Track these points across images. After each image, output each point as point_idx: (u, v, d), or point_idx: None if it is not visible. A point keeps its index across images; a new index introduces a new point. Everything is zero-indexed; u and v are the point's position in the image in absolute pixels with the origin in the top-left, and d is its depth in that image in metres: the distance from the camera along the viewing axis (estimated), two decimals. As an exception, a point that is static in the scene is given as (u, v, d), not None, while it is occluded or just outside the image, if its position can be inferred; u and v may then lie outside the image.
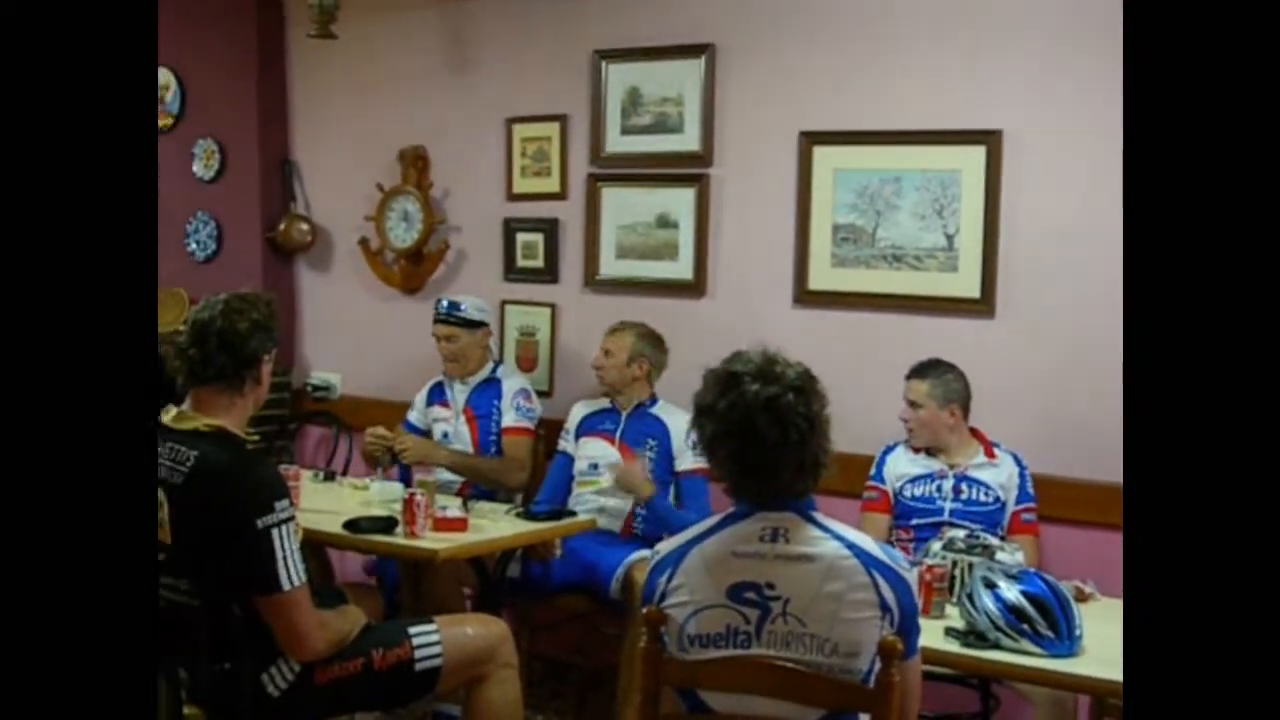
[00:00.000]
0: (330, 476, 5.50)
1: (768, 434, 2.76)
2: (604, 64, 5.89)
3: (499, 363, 5.86)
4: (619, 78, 5.87)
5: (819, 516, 2.81)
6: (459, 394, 5.76)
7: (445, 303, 5.71)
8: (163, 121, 7.21)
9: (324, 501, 4.81)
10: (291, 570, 3.44)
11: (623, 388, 5.43)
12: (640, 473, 5.18)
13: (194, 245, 7.07)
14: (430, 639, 3.77)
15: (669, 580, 2.82)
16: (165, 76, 7.20)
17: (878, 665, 2.69)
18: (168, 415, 3.63)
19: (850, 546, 2.75)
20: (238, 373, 3.62)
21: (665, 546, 2.92)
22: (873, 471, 4.82)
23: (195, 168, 7.09)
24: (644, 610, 2.84)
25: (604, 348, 5.46)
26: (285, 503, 3.47)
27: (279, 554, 3.42)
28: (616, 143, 5.88)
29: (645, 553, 4.96)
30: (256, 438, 3.73)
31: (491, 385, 5.73)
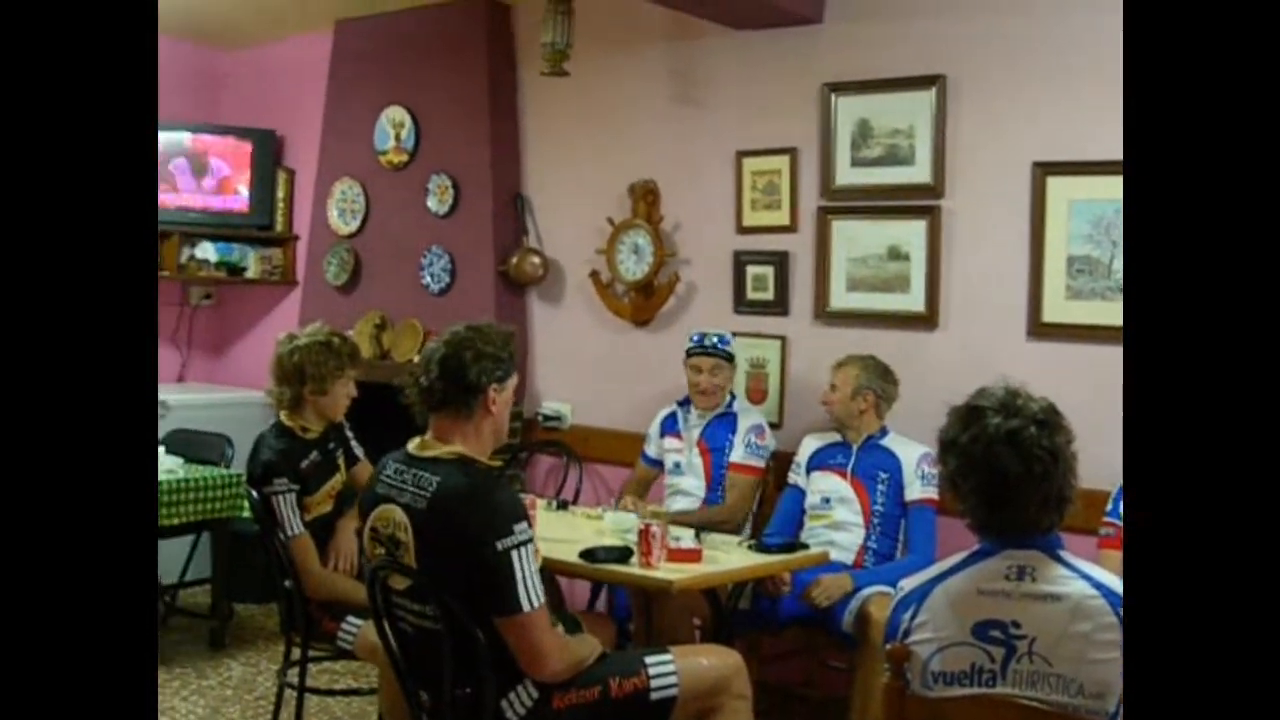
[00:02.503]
0: (564, 505, 5.58)
1: (1010, 467, 2.75)
2: (833, 96, 5.89)
3: (734, 396, 5.89)
4: (848, 110, 5.86)
5: (1066, 555, 2.78)
6: (693, 426, 5.81)
7: (713, 337, 5.79)
8: (398, 158, 7.43)
9: (559, 530, 4.87)
10: (531, 591, 3.49)
11: (850, 421, 5.41)
12: (830, 583, 5.06)
13: (428, 278, 7.24)
14: (666, 669, 3.79)
15: (913, 617, 2.82)
16: (400, 114, 7.43)
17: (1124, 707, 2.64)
18: (413, 444, 3.74)
19: (1098, 586, 2.71)
20: (464, 400, 3.70)
21: (910, 583, 2.91)
22: (1109, 507, 4.72)
23: (430, 203, 7.27)
24: (888, 646, 2.83)
25: (830, 382, 5.45)
26: (524, 525, 3.52)
27: (518, 575, 3.47)
28: (847, 175, 5.87)
29: (881, 587, 4.94)
30: (500, 464, 3.78)
31: (727, 419, 5.77)
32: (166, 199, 8.03)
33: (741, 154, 6.21)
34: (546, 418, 6.98)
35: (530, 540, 3.52)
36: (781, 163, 6.07)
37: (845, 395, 5.39)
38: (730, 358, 5.79)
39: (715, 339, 5.78)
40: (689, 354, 5.80)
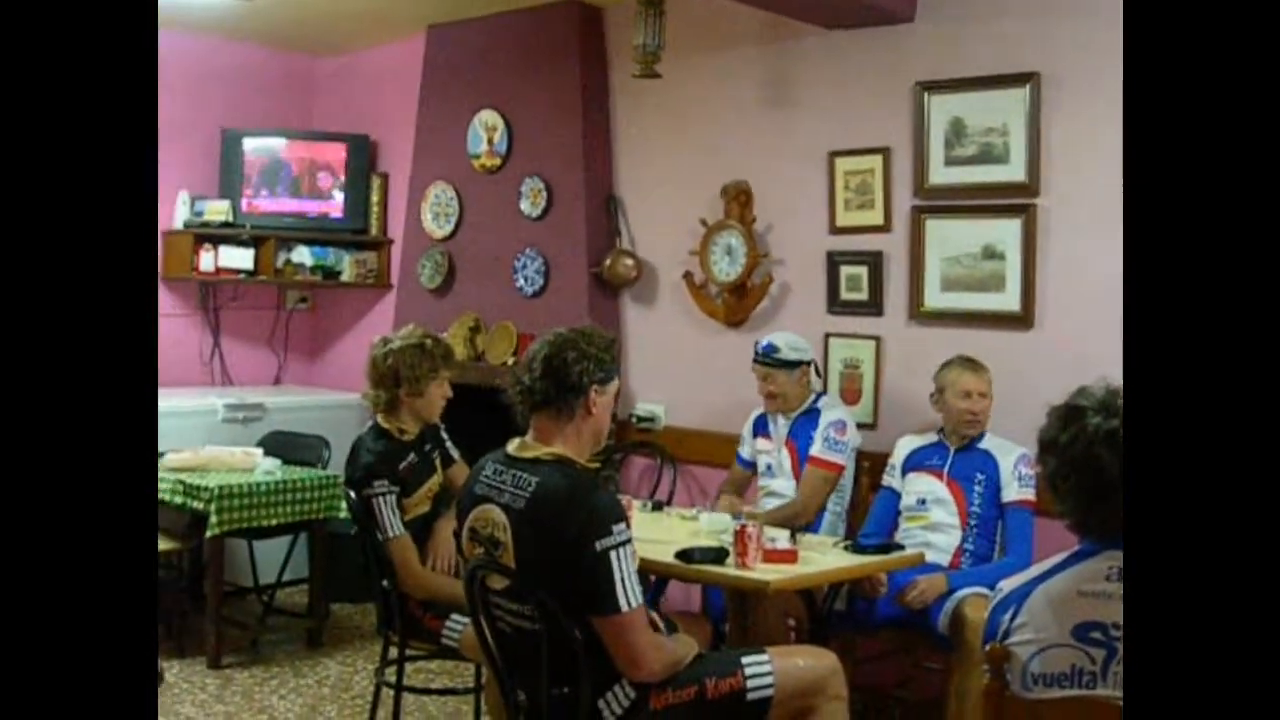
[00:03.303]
0: (659, 506, 5.59)
1: (1110, 467, 2.73)
2: (926, 95, 5.86)
3: (821, 394, 5.87)
4: (942, 109, 5.82)
5: (1167, 555, 2.76)
6: (781, 426, 5.79)
7: (762, 345, 5.75)
8: (491, 161, 7.48)
9: (654, 531, 4.88)
10: (629, 592, 3.50)
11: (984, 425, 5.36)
12: (925, 585, 5.02)
13: (522, 281, 7.28)
14: (762, 669, 3.79)
15: (1013, 618, 2.80)
16: (493, 118, 7.48)
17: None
18: (512, 445, 3.76)
19: (1200, 587, 2.68)
20: (565, 400, 3.71)
21: (1009, 584, 2.90)
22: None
23: (523, 206, 7.31)
24: (987, 647, 2.82)
25: (974, 390, 5.30)
26: (623, 526, 3.53)
27: (617, 576, 3.48)
28: (940, 174, 5.83)
29: (976, 589, 4.90)
30: (598, 466, 3.80)
31: (811, 416, 5.74)
32: (262, 204, 8.14)
33: (834, 154, 6.19)
34: (640, 419, 7.00)
35: (629, 541, 3.53)
36: (874, 162, 6.04)
37: (989, 403, 5.33)
38: (781, 364, 5.70)
39: (763, 347, 5.75)
40: None
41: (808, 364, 5.78)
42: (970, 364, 5.35)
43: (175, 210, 7.98)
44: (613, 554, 3.47)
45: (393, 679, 5.03)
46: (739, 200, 6.49)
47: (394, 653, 5.03)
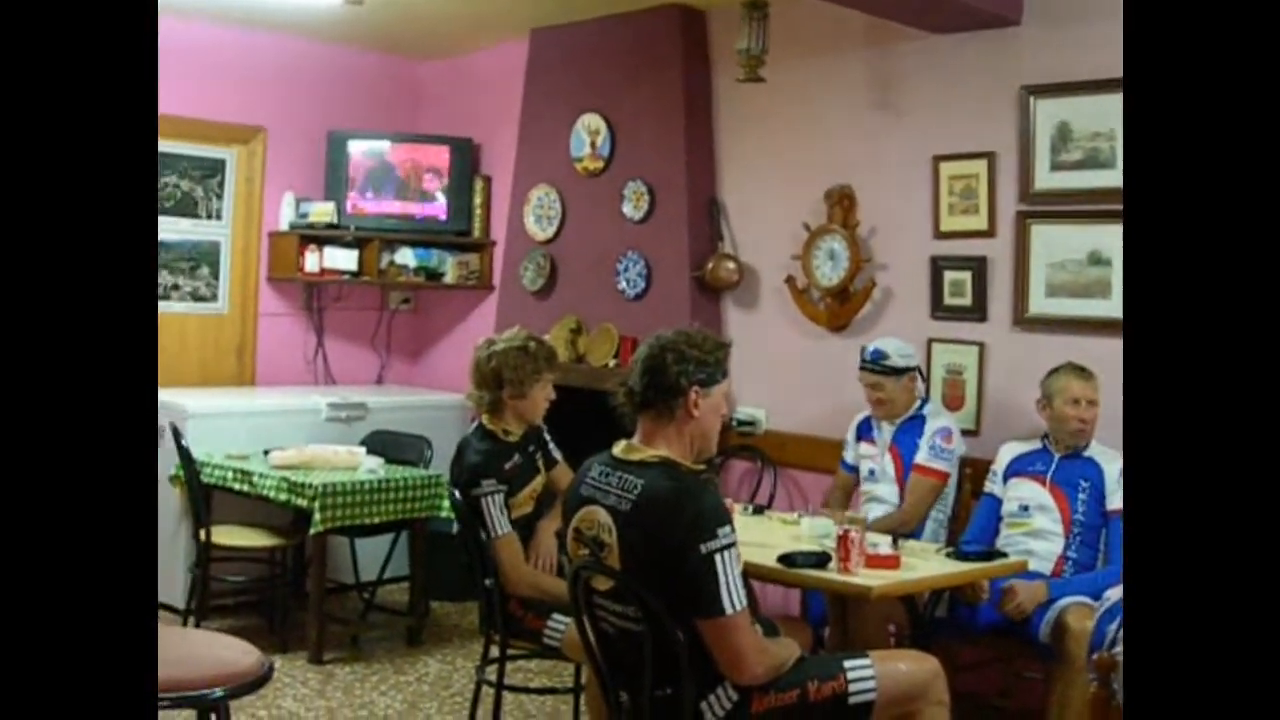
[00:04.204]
0: (760, 510, 5.59)
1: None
2: (1032, 100, 5.81)
3: (926, 400, 5.85)
4: (1048, 113, 5.78)
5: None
6: (885, 431, 5.77)
7: (870, 350, 5.73)
8: (594, 164, 7.51)
9: (755, 535, 4.87)
10: (733, 595, 3.50)
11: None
12: (1024, 594, 4.95)
13: (624, 283, 7.31)
14: (865, 673, 3.77)
15: (1120, 627, 2.78)
16: (596, 122, 7.51)
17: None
18: (618, 447, 3.77)
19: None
20: (665, 401, 3.72)
21: (1116, 593, 2.88)
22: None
23: (625, 209, 7.34)
24: (1094, 657, 2.81)
25: (1083, 397, 5.23)
26: (728, 529, 3.53)
27: (721, 578, 3.48)
28: (1046, 179, 5.78)
29: (1078, 598, 4.86)
30: (703, 468, 3.80)
31: (916, 422, 5.71)
32: (366, 205, 8.23)
33: (938, 158, 6.16)
34: (741, 423, 6.99)
35: (734, 544, 3.53)
36: (979, 167, 6.01)
37: (1098, 410, 5.25)
38: (889, 371, 5.67)
39: (872, 353, 5.73)
40: None
41: (914, 370, 5.76)
42: (1079, 371, 5.28)
43: (281, 211, 8.10)
44: (718, 557, 3.47)
45: (493, 677, 5.07)
46: (842, 204, 6.47)
47: (495, 651, 5.07)
